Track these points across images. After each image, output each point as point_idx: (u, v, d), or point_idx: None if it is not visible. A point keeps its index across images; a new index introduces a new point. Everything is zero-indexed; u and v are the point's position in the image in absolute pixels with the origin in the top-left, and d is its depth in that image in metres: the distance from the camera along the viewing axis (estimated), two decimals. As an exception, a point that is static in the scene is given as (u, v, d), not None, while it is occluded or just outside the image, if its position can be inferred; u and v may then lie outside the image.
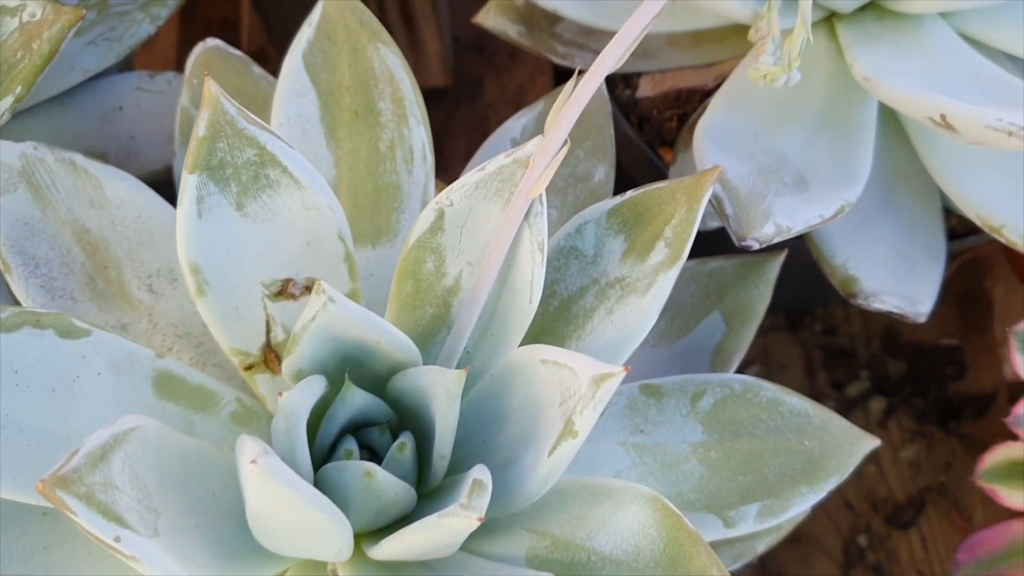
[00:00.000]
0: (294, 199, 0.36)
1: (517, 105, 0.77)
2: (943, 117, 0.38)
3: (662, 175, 0.50)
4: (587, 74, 0.32)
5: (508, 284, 0.36)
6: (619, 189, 0.61)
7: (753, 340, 0.70)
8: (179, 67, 0.79)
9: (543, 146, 0.33)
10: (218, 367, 0.42)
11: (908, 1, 0.44)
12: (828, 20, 0.47)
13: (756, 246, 0.39)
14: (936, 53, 0.44)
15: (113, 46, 0.50)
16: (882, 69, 0.42)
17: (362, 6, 0.40)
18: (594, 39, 0.50)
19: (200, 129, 0.33)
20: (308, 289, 0.39)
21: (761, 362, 0.69)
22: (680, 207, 0.36)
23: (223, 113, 0.33)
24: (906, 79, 0.41)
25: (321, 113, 0.41)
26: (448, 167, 0.77)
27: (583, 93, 0.32)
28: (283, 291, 0.38)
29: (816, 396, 0.68)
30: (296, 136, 0.41)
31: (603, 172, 0.45)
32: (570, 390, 0.32)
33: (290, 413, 0.32)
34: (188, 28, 0.80)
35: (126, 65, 0.53)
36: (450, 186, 0.35)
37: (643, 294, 0.36)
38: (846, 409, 0.67)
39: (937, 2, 0.42)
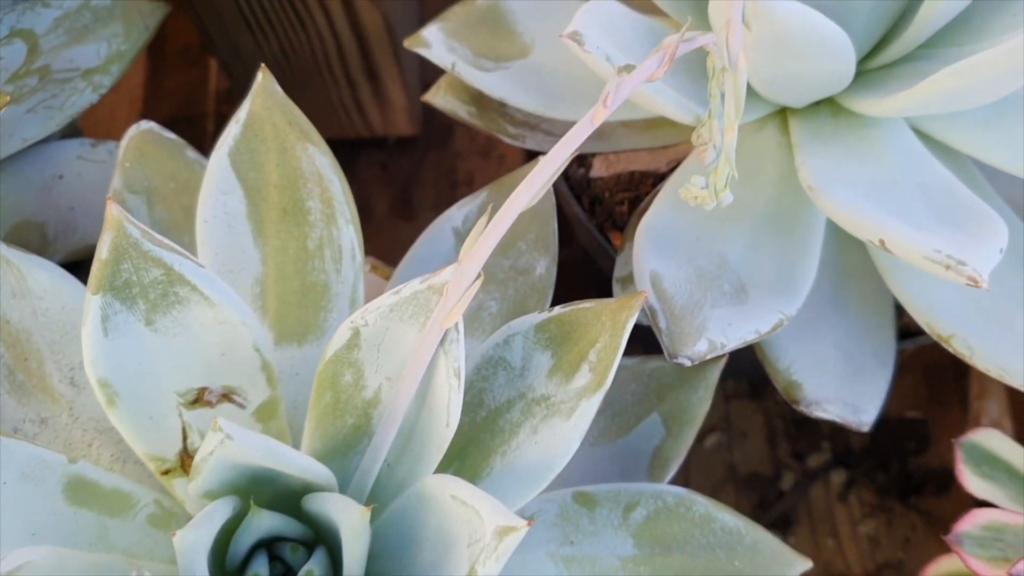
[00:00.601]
0: (206, 314, 0.35)
1: (486, 154, 0.76)
2: (882, 242, 0.37)
3: (611, 260, 0.49)
4: (500, 211, 0.31)
5: (427, 404, 0.35)
6: (577, 268, 0.60)
7: (715, 406, 0.69)
8: (147, 103, 0.78)
9: (457, 277, 0.32)
10: (139, 464, 0.41)
11: (864, 102, 0.43)
12: (782, 112, 0.46)
13: (688, 364, 0.38)
14: (889, 158, 0.42)
15: (54, 114, 0.49)
16: (828, 177, 0.41)
17: (291, 104, 0.39)
18: (545, 121, 0.49)
19: (103, 252, 0.32)
20: (225, 397, 0.38)
21: (722, 430, 0.68)
22: (605, 331, 0.35)
23: (126, 236, 0.32)
24: (852, 189, 0.40)
25: (248, 210, 0.40)
26: (416, 216, 0.76)
27: (497, 228, 0.31)
28: (199, 399, 0.37)
29: (777, 466, 0.67)
30: (222, 232, 0.40)
31: (544, 266, 0.44)
32: (477, 534, 0.31)
33: (186, 552, 0.31)
34: (157, 62, 0.79)
35: (70, 130, 0.52)
36: (365, 307, 0.34)
37: (567, 418, 0.35)
38: (807, 480, 0.66)
39: (893, 108, 0.41)
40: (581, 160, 0.52)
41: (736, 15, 0.30)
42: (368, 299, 0.47)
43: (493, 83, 0.45)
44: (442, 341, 0.33)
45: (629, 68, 0.39)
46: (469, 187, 0.74)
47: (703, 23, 0.43)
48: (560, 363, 0.36)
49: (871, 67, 0.44)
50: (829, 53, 0.38)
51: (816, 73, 0.40)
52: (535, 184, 0.30)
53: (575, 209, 0.51)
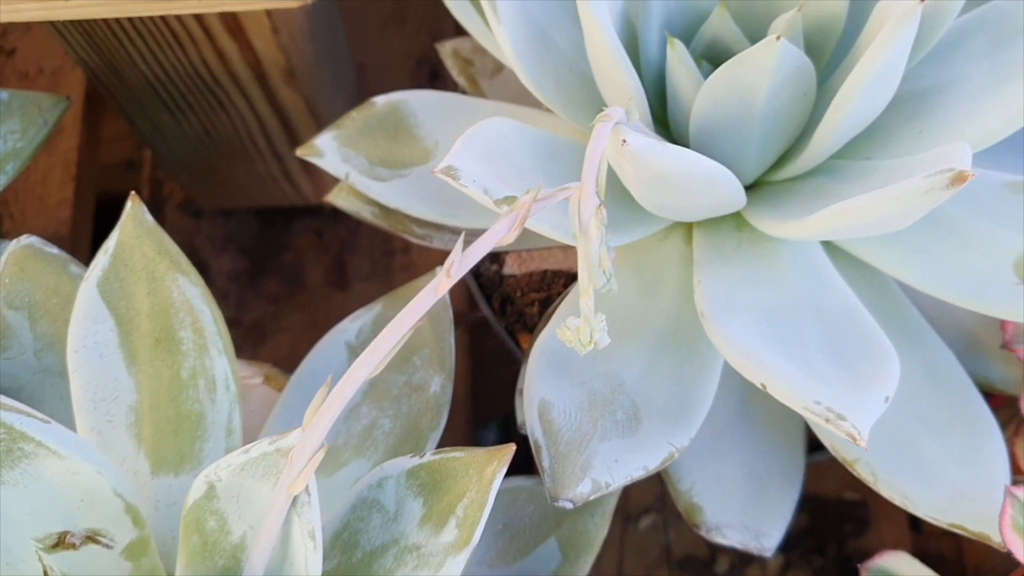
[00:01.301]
0: (57, 466, 0.33)
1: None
2: (763, 385, 0.35)
3: (519, 364, 0.47)
4: (343, 379, 0.29)
5: (288, 559, 0.34)
6: (498, 360, 0.58)
7: (651, 486, 0.68)
8: (81, 168, 0.76)
9: (300, 445, 0.30)
10: (10, 597, 0.40)
11: (765, 222, 0.41)
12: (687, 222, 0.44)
13: (570, 507, 0.37)
14: (790, 280, 0.41)
15: (-55, 216, 0.47)
16: (723, 302, 0.39)
17: (160, 233, 0.37)
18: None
19: (-67, 417, 0.30)
20: (90, 539, 0.36)
21: (657, 510, 0.66)
22: (472, 486, 0.34)
23: (-42, 400, 0.30)
24: (746, 316, 0.39)
25: (120, 339, 0.38)
26: (350, 287, 0.74)
27: (339, 399, 0.29)
28: (61, 542, 0.36)
29: (712, 548, 0.66)
30: (94, 361, 0.38)
31: (439, 383, 0.43)
32: None
33: None
34: (95, 111, 0.77)
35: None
36: (217, 463, 0.33)
37: (435, 572, 0.34)
38: (742, 564, 0.65)
39: (789, 233, 0.40)
40: (494, 257, 0.51)
41: (589, 180, 0.29)
42: (260, 411, 0.45)
43: (389, 193, 0.44)
44: (294, 503, 0.32)
45: (510, 200, 0.37)
46: (406, 255, 0.73)
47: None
48: (430, 512, 0.35)
49: (776, 179, 0.43)
50: (711, 186, 0.36)
51: (702, 203, 0.38)
52: (377, 355, 0.29)
53: (485, 312, 0.49)
